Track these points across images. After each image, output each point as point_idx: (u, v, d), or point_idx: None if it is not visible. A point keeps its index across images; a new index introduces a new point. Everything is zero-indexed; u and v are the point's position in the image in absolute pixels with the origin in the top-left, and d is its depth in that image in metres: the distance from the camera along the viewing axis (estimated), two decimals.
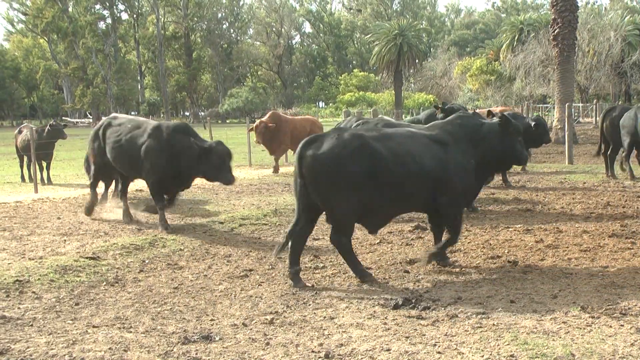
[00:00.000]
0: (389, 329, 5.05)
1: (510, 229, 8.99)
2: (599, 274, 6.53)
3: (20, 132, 17.01)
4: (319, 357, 4.54)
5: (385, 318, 5.33)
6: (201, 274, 6.97)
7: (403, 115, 35.55)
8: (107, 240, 8.62)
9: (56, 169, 18.45)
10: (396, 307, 5.60)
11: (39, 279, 6.58)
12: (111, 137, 9.90)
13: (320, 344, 4.78)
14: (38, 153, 15.69)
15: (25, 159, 16.82)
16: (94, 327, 5.23)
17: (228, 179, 9.48)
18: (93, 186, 10.71)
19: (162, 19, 74.65)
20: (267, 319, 5.35)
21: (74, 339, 4.92)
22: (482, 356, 4.46)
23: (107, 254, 7.70)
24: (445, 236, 7.05)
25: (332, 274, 6.84)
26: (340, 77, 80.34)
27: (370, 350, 4.63)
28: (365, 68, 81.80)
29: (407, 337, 4.86)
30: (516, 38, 54.14)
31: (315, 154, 6.32)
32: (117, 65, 69.98)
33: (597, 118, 29.50)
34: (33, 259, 7.45)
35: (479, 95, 57.80)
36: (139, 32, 76.23)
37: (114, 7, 74.15)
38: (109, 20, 74.28)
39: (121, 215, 10.18)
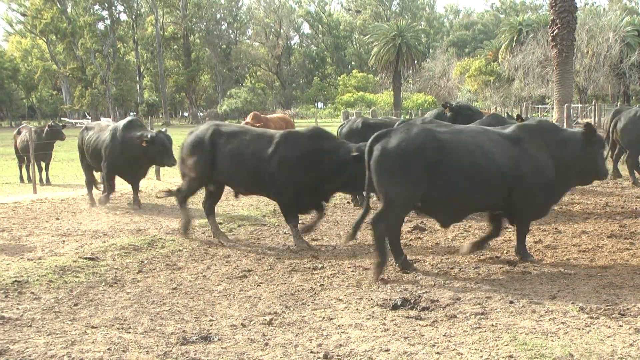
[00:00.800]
0: (387, 330, 5.05)
1: (509, 230, 8.97)
2: (597, 274, 6.54)
3: (19, 132, 17.01)
4: (318, 358, 4.54)
5: (384, 318, 5.33)
6: (200, 274, 6.97)
7: (402, 116, 35.53)
8: (105, 241, 8.61)
9: (55, 170, 18.44)
10: (395, 307, 5.60)
11: (37, 279, 6.57)
12: (226, 148, 8.51)
13: (319, 345, 4.78)
14: (37, 154, 15.69)
15: (24, 159, 16.81)
16: (92, 327, 5.23)
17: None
18: (183, 202, 9.06)
19: (161, 20, 74.55)
20: (266, 320, 5.35)
21: (72, 340, 4.92)
22: (481, 356, 4.46)
23: (105, 255, 7.70)
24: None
25: (331, 274, 6.84)
26: (339, 78, 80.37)
27: (369, 350, 4.63)
28: (364, 69, 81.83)
29: (406, 338, 4.86)
30: (515, 39, 54.23)
31: (383, 147, 6.61)
32: (116, 66, 69.87)
33: (596, 119, 29.47)
34: (32, 260, 7.45)
35: (477, 96, 57.86)
36: (137, 33, 76.12)
37: (113, 7, 74.06)
38: (107, 21, 74.19)
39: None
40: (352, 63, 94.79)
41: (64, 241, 8.70)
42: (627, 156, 13.79)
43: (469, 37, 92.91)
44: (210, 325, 5.28)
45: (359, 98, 65.46)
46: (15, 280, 6.48)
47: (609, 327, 5.00)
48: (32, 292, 6.21)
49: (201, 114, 75.54)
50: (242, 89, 77.09)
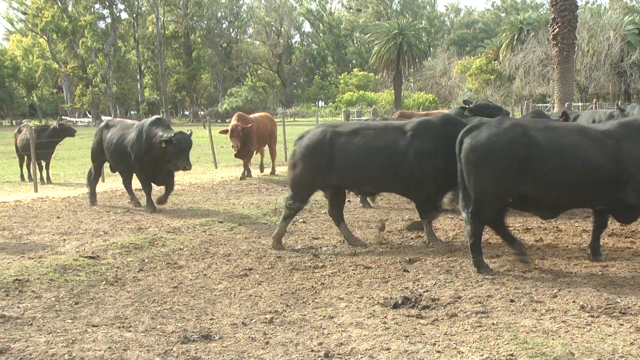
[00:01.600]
0: (388, 328, 5.05)
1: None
2: (598, 273, 6.53)
3: (19, 131, 17.02)
4: (319, 356, 4.54)
5: (385, 317, 5.33)
6: (201, 273, 6.97)
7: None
8: (106, 239, 8.61)
9: (56, 169, 18.45)
10: (396, 306, 5.60)
11: (38, 278, 6.58)
12: (349, 147, 7.96)
13: (320, 343, 4.78)
14: (38, 153, 15.70)
15: (25, 158, 16.82)
16: (93, 326, 5.23)
17: None
18: (290, 217, 8.47)
19: (162, 19, 74.57)
20: (266, 318, 5.35)
21: (73, 338, 4.92)
22: (482, 355, 4.46)
23: (106, 253, 7.70)
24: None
25: (331, 273, 6.84)
26: (340, 77, 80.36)
27: (369, 349, 4.63)
28: (365, 67, 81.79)
29: (407, 336, 4.86)
30: (516, 37, 54.23)
31: (472, 141, 6.61)
32: (117, 65, 69.87)
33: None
34: (32, 258, 7.45)
35: (478, 94, 57.82)
36: (138, 32, 76.16)
37: (114, 6, 74.06)
38: (108, 20, 74.21)
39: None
40: (353, 62, 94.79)
41: (64, 240, 8.70)
42: None
43: (469, 36, 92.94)
44: (211, 324, 5.28)
45: (359, 97, 65.44)
46: (16, 279, 6.49)
47: (610, 325, 4.99)
48: (33, 291, 6.21)
49: (202, 112, 75.56)
50: (243, 87, 77.09)
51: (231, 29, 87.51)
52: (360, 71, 77.79)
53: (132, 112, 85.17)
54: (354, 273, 6.80)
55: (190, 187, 14.26)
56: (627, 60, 46.58)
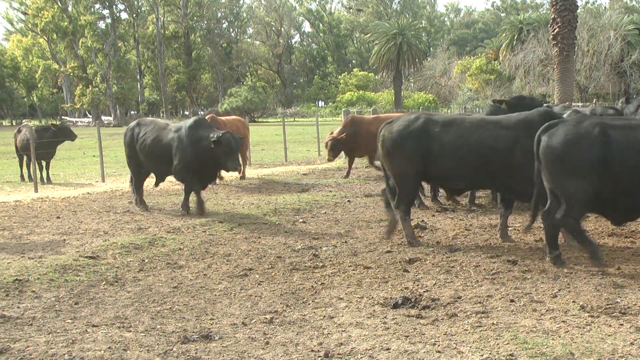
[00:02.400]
0: (388, 328, 5.05)
1: (509, 229, 8.98)
2: (598, 273, 6.53)
3: (19, 131, 17.03)
4: (319, 357, 4.54)
5: (385, 317, 5.33)
6: (201, 273, 6.97)
7: None
8: (106, 239, 8.61)
9: (56, 169, 18.45)
10: (396, 306, 5.60)
11: (38, 278, 6.58)
12: (445, 138, 7.73)
13: (320, 343, 4.78)
14: (39, 152, 15.71)
15: (25, 158, 16.83)
16: (93, 326, 5.23)
17: None
18: (407, 212, 8.23)
19: (162, 19, 74.61)
20: (266, 318, 5.35)
21: (73, 338, 4.92)
22: (482, 355, 4.46)
23: (106, 253, 7.70)
24: None
25: (331, 273, 6.83)
26: (339, 77, 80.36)
27: (369, 349, 4.63)
28: (365, 67, 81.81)
29: (407, 336, 4.86)
30: (516, 37, 54.22)
31: (549, 139, 6.58)
32: (117, 65, 69.87)
33: None
34: (32, 258, 7.45)
35: (478, 94, 57.85)
36: (138, 32, 76.19)
37: (114, 6, 74.12)
38: (108, 20, 74.25)
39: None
40: (353, 62, 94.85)
41: (64, 240, 8.70)
42: None
43: (469, 36, 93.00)
44: (211, 324, 5.28)
45: (359, 97, 65.45)
46: (16, 279, 6.49)
47: (610, 325, 4.99)
48: (33, 291, 6.21)
49: (202, 112, 75.56)
50: (243, 87, 77.10)
51: (231, 29, 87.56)
52: (360, 71, 77.80)
53: (132, 112, 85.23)
54: (354, 273, 6.79)
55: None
56: (627, 60, 46.57)
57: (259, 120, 68.83)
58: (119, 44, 74.65)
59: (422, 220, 9.55)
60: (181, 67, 79.23)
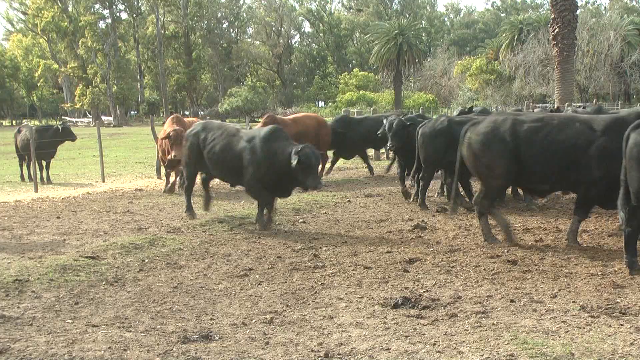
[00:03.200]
0: (388, 328, 5.05)
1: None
2: (598, 273, 6.53)
3: (19, 131, 17.05)
4: (319, 357, 4.54)
5: (385, 317, 5.33)
6: (201, 273, 6.97)
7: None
8: (106, 239, 8.61)
9: (56, 169, 18.44)
10: (396, 306, 5.60)
11: (38, 278, 6.58)
12: (533, 139, 7.59)
13: (320, 343, 4.78)
14: (40, 152, 15.72)
15: (25, 158, 16.84)
16: (93, 326, 5.23)
17: None
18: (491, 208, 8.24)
19: (162, 19, 74.57)
20: (266, 318, 5.35)
21: (73, 338, 4.92)
22: (482, 355, 4.46)
23: (106, 253, 7.70)
24: None
25: (331, 273, 6.84)
26: (340, 77, 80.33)
27: (369, 349, 4.63)
28: (365, 67, 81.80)
29: (407, 337, 4.86)
30: (516, 37, 54.27)
31: (638, 136, 6.37)
32: (117, 65, 69.86)
33: None
34: (32, 258, 7.45)
35: (478, 94, 57.89)
36: (138, 32, 76.17)
37: (114, 6, 74.10)
38: (108, 20, 74.22)
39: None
40: (353, 62, 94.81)
41: (64, 240, 8.70)
42: None
43: (469, 36, 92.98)
44: (211, 324, 5.28)
45: (359, 97, 65.42)
46: (16, 279, 6.49)
47: (610, 325, 4.99)
48: (33, 291, 6.21)
49: (202, 112, 75.58)
50: (243, 87, 77.12)
51: (231, 29, 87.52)
52: (360, 71, 77.77)
53: (132, 112, 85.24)
54: (354, 273, 6.80)
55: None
56: (627, 60, 46.61)
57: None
58: (119, 44, 74.60)
59: (422, 221, 9.55)
60: (181, 67, 79.21)
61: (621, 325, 5.00)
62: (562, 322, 5.08)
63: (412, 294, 5.92)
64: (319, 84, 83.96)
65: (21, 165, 17.17)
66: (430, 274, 6.70)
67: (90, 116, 71.69)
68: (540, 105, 40.58)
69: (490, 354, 4.48)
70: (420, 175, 10.95)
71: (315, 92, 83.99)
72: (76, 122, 64.51)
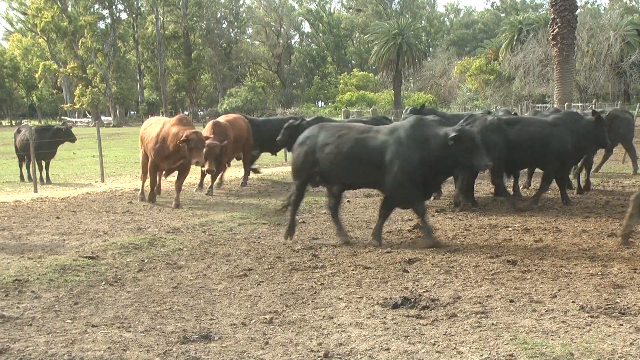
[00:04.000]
0: (388, 329, 5.05)
1: (509, 229, 8.99)
2: (598, 273, 6.53)
3: (19, 131, 17.04)
4: (318, 357, 4.54)
5: (385, 317, 5.33)
6: (200, 273, 6.97)
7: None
8: (106, 239, 8.61)
9: (55, 169, 18.43)
10: (395, 306, 5.60)
11: (38, 278, 6.57)
12: None
13: (320, 344, 4.78)
14: (40, 152, 15.71)
15: (25, 158, 16.83)
16: (93, 326, 5.23)
17: None
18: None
19: (162, 19, 74.51)
20: (266, 319, 5.35)
21: (73, 339, 4.92)
22: (481, 355, 4.46)
23: (106, 254, 7.70)
24: None
25: (331, 273, 6.84)
26: (339, 77, 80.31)
27: (369, 349, 4.63)
28: (365, 67, 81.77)
29: (406, 337, 4.86)
30: (515, 38, 54.29)
31: None
32: (116, 65, 69.81)
33: None
34: (32, 259, 7.45)
35: (478, 94, 57.89)
36: (138, 32, 76.11)
37: (113, 6, 74.03)
38: (108, 20, 74.16)
39: None
40: (353, 62, 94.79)
41: (64, 240, 8.70)
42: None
43: (469, 36, 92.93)
44: (211, 324, 5.28)
45: (359, 97, 65.40)
46: (16, 279, 6.48)
47: (610, 326, 4.99)
48: (33, 291, 6.21)
49: (201, 112, 75.57)
50: (243, 87, 77.07)
51: (231, 29, 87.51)
52: (359, 71, 77.74)
53: (132, 112, 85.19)
54: (353, 273, 6.80)
55: (189, 187, 14.24)
56: (626, 60, 46.61)
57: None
58: (119, 44, 74.53)
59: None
60: (181, 67, 79.15)
61: (621, 325, 5.00)
62: (561, 322, 5.08)
63: (411, 294, 5.92)
64: (319, 84, 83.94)
65: (21, 166, 17.16)
66: (429, 274, 6.70)
67: (90, 116, 71.65)
68: (540, 105, 40.63)
69: (489, 354, 4.48)
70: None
71: (315, 92, 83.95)
72: (76, 122, 64.48)
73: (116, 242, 8.25)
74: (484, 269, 6.82)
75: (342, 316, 5.41)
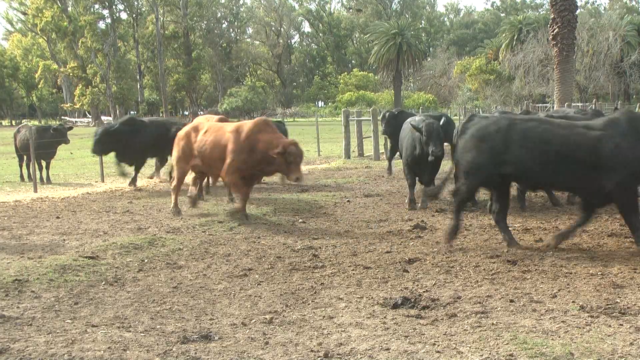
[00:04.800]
0: (388, 329, 5.05)
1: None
2: (598, 273, 6.53)
3: (19, 131, 17.05)
4: (318, 357, 4.54)
5: (385, 317, 5.33)
6: (200, 273, 6.97)
7: None
8: (106, 239, 8.60)
9: (55, 169, 18.43)
10: (395, 306, 5.60)
11: (38, 278, 6.57)
12: None
13: (320, 343, 4.78)
14: (40, 152, 15.71)
15: (25, 158, 16.84)
16: (93, 326, 5.23)
17: None
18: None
19: (162, 19, 74.54)
20: (266, 318, 5.35)
21: (73, 338, 4.92)
22: (481, 355, 4.46)
23: (106, 254, 7.69)
24: None
25: (331, 273, 6.83)
26: (339, 77, 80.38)
27: (369, 349, 4.62)
28: (365, 67, 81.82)
29: (407, 337, 4.85)
30: (515, 37, 54.33)
31: None
32: (116, 65, 69.80)
33: None
34: (32, 258, 7.45)
35: (478, 94, 57.91)
36: (138, 32, 76.13)
37: (114, 6, 74.03)
38: (108, 20, 74.16)
39: None
40: (353, 62, 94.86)
41: (64, 240, 8.69)
42: None
43: (469, 36, 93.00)
44: (211, 324, 5.28)
45: (359, 97, 65.46)
46: (16, 279, 6.48)
47: (610, 325, 4.99)
48: (33, 291, 6.21)
49: (201, 112, 75.56)
50: (243, 87, 77.18)
51: (231, 29, 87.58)
52: (359, 71, 77.80)
53: (132, 112, 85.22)
54: (353, 273, 6.79)
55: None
56: (626, 60, 46.65)
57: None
58: (119, 44, 74.53)
59: (422, 221, 9.55)
60: (181, 67, 79.19)
61: (621, 325, 5.00)
62: (561, 322, 5.08)
63: (411, 294, 5.92)
64: (319, 84, 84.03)
65: (21, 166, 17.17)
66: (429, 274, 6.70)
67: (90, 116, 71.65)
68: (540, 105, 40.65)
69: (489, 354, 4.48)
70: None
71: (315, 92, 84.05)
72: (76, 122, 64.52)
73: (116, 242, 8.25)
74: (484, 269, 6.82)
75: (342, 316, 5.41)
